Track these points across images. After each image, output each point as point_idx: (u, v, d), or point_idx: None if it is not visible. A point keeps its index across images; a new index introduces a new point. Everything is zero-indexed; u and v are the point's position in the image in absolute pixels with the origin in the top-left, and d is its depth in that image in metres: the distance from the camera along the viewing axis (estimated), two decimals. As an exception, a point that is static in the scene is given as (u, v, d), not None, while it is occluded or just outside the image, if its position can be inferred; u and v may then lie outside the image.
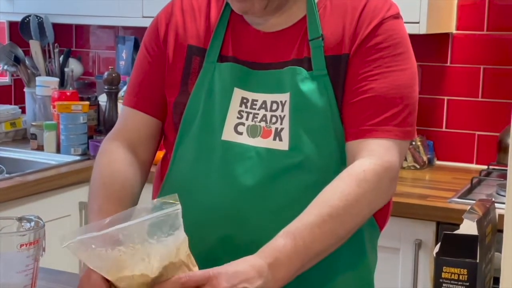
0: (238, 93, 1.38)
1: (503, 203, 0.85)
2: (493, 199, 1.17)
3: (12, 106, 3.26)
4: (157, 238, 1.12)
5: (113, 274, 1.14)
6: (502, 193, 2.29)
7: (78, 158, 2.80)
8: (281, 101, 1.36)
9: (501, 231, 0.88)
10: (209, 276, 1.13)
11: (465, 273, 1.00)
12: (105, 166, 1.44)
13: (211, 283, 1.13)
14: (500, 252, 0.85)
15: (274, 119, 1.36)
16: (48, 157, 2.82)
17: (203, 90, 1.40)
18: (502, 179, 2.47)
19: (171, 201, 1.14)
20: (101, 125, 3.09)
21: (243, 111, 1.38)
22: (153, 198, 1.51)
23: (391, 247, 2.26)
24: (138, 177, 1.45)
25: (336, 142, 1.36)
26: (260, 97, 1.38)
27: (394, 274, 2.30)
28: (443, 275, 1.01)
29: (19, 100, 3.36)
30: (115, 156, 1.44)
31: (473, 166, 2.79)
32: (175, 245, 1.13)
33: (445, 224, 2.19)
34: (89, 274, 1.18)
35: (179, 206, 1.13)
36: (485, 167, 2.70)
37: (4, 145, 3.02)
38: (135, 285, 1.13)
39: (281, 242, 1.20)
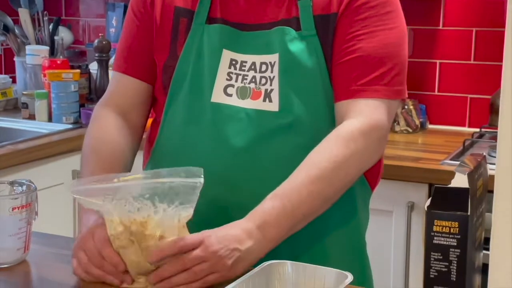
0: (227, 55, 1.37)
1: (495, 163, 0.85)
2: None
3: (3, 76, 3.23)
4: (167, 204, 1.15)
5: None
6: (494, 154, 2.29)
7: (70, 126, 2.79)
8: (270, 62, 1.35)
9: (492, 191, 0.88)
10: (201, 240, 1.15)
11: (456, 226, 1.01)
12: (95, 132, 1.44)
13: (203, 245, 1.14)
14: (491, 212, 0.86)
15: (263, 81, 1.35)
16: (40, 126, 2.80)
17: (192, 52, 1.39)
18: (494, 141, 2.48)
19: (195, 172, 1.15)
20: (92, 93, 3.07)
21: (232, 72, 1.37)
22: (144, 162, 1.51)
23: (384, 209, 2.27)
24: (128, 141, 1.44)
25: (326, 102, 1.35)
26: (249, 58, 1.37)
27: (387, 236, 2.31)
28: (434, 228, 1.02)
29: (10, 70, 3.34)
30: (105, 122, 1.44)
31: (466, 129, 2.79)
32: (179, 217, 1.16)
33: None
34: (92, 231, 1.19)
35: (202, 180, 1.14)
36: (477, 129, 2.70)
37: (-4, 115, 3.01)
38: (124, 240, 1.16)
39: (269, 205, 1.22)
